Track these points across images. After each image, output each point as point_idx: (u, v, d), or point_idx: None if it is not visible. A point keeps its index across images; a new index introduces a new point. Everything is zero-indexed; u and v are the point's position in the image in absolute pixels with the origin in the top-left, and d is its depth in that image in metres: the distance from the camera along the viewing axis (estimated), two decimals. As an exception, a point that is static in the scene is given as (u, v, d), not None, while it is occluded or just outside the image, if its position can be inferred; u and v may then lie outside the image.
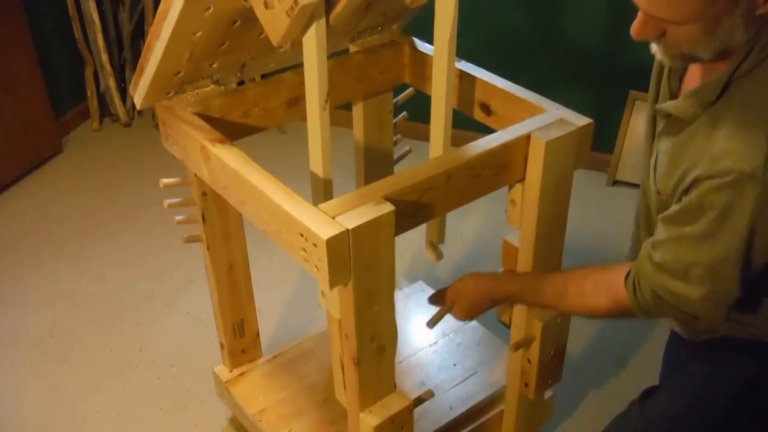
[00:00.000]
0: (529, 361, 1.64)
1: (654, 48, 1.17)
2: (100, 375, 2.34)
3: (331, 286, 1.22)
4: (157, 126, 3.01)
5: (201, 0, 1.29)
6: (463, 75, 1.66)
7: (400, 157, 2.02)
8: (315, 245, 1.18)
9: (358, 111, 1.89)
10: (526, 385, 1.69)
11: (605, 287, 1.29)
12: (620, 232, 2.26)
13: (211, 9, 1.32)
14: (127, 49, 3.57)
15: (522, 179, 1.47)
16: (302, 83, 1.35)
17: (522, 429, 1.80)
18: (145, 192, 3.18)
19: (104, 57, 3.50)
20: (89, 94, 3.60)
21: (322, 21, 1.24)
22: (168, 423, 2.18)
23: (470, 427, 1.79)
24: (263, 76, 2.06)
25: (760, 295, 1.26)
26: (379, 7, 1.64)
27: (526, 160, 1.44)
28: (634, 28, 1.13)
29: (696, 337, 1.40)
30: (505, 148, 1.40)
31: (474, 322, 2.00)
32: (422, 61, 1.77)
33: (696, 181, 1.11)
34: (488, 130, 1.48)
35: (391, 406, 1.40)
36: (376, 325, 1.31)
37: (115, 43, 3.56)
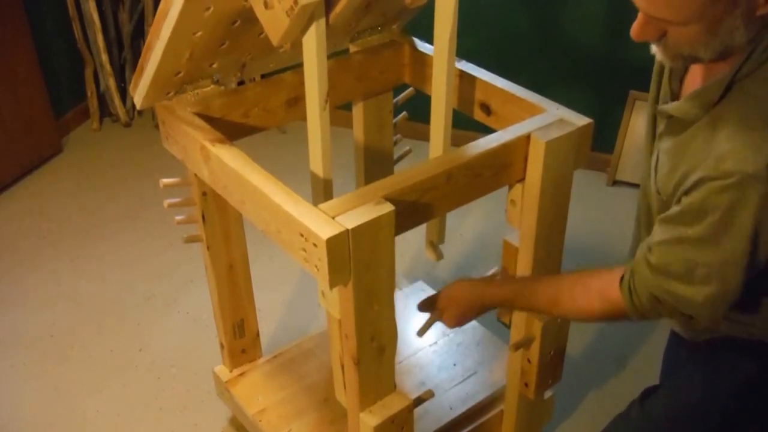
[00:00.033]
0: (529, 361, 1.64)
1: (654, 49, 1.17)
2: (100, 375, 2.34)
3: (331, 286, 1.22)
4: (157, 126, 3.01)
5: (201, 0, 1.29)
6: (463, 75, 1.66)
7: (400, 157, 2.02)
8: (315, 245, 1.18)
9: (358, 111, 1.89)
10: (526, 385, 1.69)
11: (598, 291, 1.28)
12: (620, 232, 2.26)
13: (211, 9, 1.32)
14: (127, 49, 3.56)
15: (522, 179, 1.47)
16: (302, 83, 1.35)
17: (522, 429, 1.80)
18: (145, 192, 3.18)
19: (104, 57, 3.50)
20: (89, 94, 3.60)
21: (322, 21, 1.24)
22: (168, 423, 2.18)
23: (470, 427, 1.79)
24: (263, 76, 2.06)
25: (760, 295, 1.25)
26: (379, 7, 1.64)
27: (526, 160, 1.44)
28: (634, 30, 1.13)
29: (696, 337, 1.39)
30: (505, 148, 1.40)
31: (474, 322, 2.00)
32: (422, 61, 1.77)
33: (698, 183, 1.11)
34: (488, 130, 1.48)
35: (391, 406, 1.40)
36: (376, 325, 1.31)
37: (115, 43, 3.56)
